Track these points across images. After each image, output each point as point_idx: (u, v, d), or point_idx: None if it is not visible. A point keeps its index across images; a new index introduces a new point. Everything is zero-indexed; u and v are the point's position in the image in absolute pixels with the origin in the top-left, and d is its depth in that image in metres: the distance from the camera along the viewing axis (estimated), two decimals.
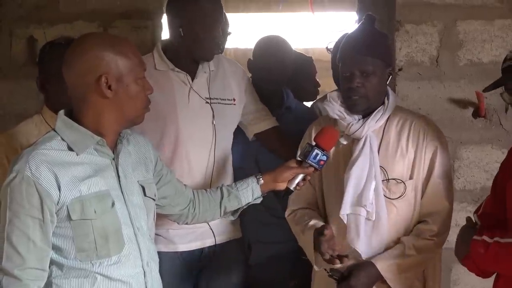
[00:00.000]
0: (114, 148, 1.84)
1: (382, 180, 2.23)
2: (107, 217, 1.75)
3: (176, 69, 2.50)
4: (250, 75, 2.97)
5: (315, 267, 2.28)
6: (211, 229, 2.53)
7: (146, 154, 1.97)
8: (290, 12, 6.41)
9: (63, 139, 1.76)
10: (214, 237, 2.55)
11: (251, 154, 2.74)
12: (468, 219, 2.05)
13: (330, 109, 2.30)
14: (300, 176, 2.12)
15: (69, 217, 1.71)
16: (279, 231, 2.62)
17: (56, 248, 1.73)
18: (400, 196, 2.24)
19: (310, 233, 2.23)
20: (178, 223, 2.19)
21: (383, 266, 2.18)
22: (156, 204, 1.99)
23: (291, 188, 2.13)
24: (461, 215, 2.62)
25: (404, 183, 2.24)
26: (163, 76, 2.49)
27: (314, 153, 2.09)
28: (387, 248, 2.22)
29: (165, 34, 2.58)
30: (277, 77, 2.82)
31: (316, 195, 2.40)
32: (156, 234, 2.16)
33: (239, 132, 2.69)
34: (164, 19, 2.88)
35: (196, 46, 2.45)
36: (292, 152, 2.37)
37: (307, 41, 6.30)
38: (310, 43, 6.29)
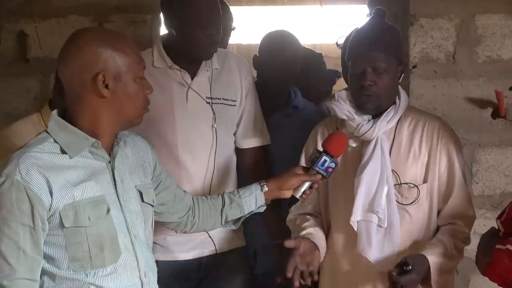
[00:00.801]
0: (110, 150, 1.84)
1: (394, 185, 2.24)
2: (102, 224, 1.75)
3: (175, 66, 2.50)
4: (255, 72, 2.97)
5: None
6: (210, 238, 2.53)
7: (144, 157, 1.97)
8: (297, 5, 6.41)
9: (55, 141, 1.76)
10: (215, 245, 2.55)
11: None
12: (492, 229, 2.04)
13: (338, 109, 2.30)
14: (307, 184, 2.13)
15: (61, 224, 1.71)
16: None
17: (47, 257, 1.73)
18: (413, 202, 2.24)
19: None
20: (176, 232, 2.20)
21: (434, 264, 2.15)
22: (154, 211, 1.99)
23: (297, 196, 2.13)
24: (480, 222, 2.63)
25: (417, 188, 2.24)
26: (161, 74, 2.49)
27: (322, 160, 2.09)
28: (399, 257, 2.20)
29: (164, 29, 2.58)
30: (284, 74, 2.82)
31: (318, 199, 2.41)
32: (153, 242, 2.16)
33: None
34: None
35: (191, 46, 2.44)
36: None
37: (314, 36, 6.30)
38: (317, 38, 6.29)
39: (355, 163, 2.27)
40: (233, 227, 2.24)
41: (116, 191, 1.82)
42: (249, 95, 2.63)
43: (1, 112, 3.14)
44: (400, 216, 2.22)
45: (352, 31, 2.44)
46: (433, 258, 2.16)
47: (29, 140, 1.77)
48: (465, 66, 2.98)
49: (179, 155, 2.49)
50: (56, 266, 1.73)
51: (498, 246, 1.91)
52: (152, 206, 1.96)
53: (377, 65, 2.21)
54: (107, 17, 3.19)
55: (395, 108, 2.27)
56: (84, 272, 1.74)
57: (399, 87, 2.33)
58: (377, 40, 2.23)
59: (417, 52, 2.98)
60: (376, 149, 2.24)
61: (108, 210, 1.77)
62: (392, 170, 2.23)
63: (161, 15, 2.57)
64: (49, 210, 1.70)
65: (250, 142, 2.64)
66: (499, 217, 2.04)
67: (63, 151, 1.76)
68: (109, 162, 1.82)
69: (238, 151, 2.65)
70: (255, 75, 3.01)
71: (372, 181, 2.22)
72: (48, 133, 1.78)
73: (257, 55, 2.93)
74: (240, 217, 2.18)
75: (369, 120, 2.27)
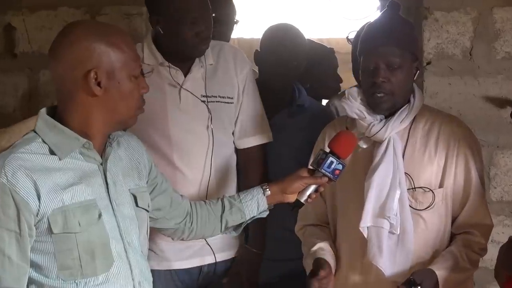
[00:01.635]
0: (103, 151, 1.83)
1: (408, 189, 2.23)
2: (93, 230, 1.75)
3: (166, 63, 2.49)
4: (256, 68, 2.96)
5: None
6: (209, 245, 2.52)
7: (139, 159, 1.97)
8: None
9: (44, 142, 1.76)
10: (214, 254, 2.55)
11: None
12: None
13: (349, 107, 2.30)
14: (312, 187, 2.11)
15: (50, 230, 1.70)
16: (291, 247, 2.61)
17: (35, 266, 1.72)
18: (428, 207, 2.24)
19: (310, 262, 2.28)
20: (172, 239, 2.19)
21: (443, 279, 2.15)
22: (149, 217, 1.98)
23: (302, 200, 2.11)
24: (498, 229, 2.62)
25: (432, 192, 2.23)
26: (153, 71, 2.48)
27: (328, 161, 2.07)
28: (413, 266, 2.21)
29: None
30: (288, 71, 2.82)
31: (326, 208, 2.40)
32: (148, 250, 2.15)
33: None
34: None
35: (179, 45, 2.44)
36: (256, 182, 2.37)
37: (322, 30, 6.30)
38: (325, 33, 6.29)
39: (366, 165, 2.27)
40: (234, 234, 2.22)
41: (109, 195, 1.81)
42: (246, 89, 2.61)
43: None
44: (414, 222, 2.22)
45: (364, 25, 2.44)
46: (442, 273, 2.15)
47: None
48: (482, 62, 2.97)
49: (173, 158, 2.49)
50: (44, 275, 1.72)
51: None
52: (147, 211, 1.95)
53: (390, 60, 2.20)
54: (100, 10, 3.19)
55: (409, 107, 2.27)
56: (75, 282, 1.73)
57: (414, 85, 2.32)
58: (391, 34, 2.22)
59: (431, 47, 2.97)
60: (388, 150, 2.23)
61: (100, 215, 1.76)
62: (405, 173, 2.23)
63: None
64: (37, 215, 1.69)
65: (249, 141, 2.63)
66: None
67: (52, 152, 1.75)
68: (101, 164, 1.82)
69: (238, 151, 2.65)
70: (256, 71, 3.01)
71: (383, 184, 2.21)
72: (36, 133, 1.77)
73: (258, 50, 2.92)
74: (241, 223, 2.17)
75: (381, 120, 2.27)
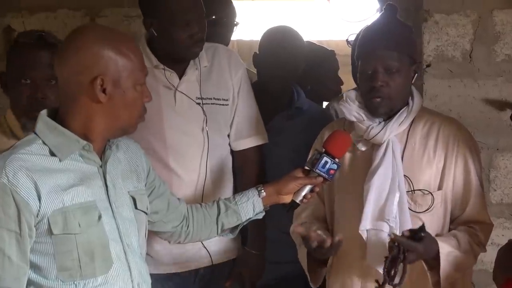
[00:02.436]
0: (102, 154, 1.84)
1: (407, 191, 2.24)
2: (92, 231, 1.75)
3: (161, 66, 2.49)
4: (255, 70, 2.97)
5: (311, 285, 2.31)
6: (206, 248, 2.53)
7: (138, 162, 1.97)
8: (302, 0, 6.41)
9: (44, 143, 1.76)
10: (210, 257, 2.55)
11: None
12: (510, 241, 2.04)
13: (347, 110, 2.31)
14: (307, 188, 2.11)
15: (50, 231, 1.71)
16: (289, 249, 2.61)
17: (34, 266, 1.73)
18: (427, 209, 2.25)
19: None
20: (169, 242, 2.19)
21: (444, 251, 2.15)
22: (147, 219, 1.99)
23: (297, 201, 2.12)
24: (498, 232, 2.62)
25: (432, 195, 2.24)
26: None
27: (323, 161, 2.08)
28: (412, 269, 2.19)
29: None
30: (286, 73, 2.82)
31: (324, 210, 2.40)
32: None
33: None
34: None
35: (173, 47, 2.45)
36: (249, 185, 2.37)
37: (321, 32, 6.30)
38: (324, 35, 6.28)
39: (365, 168, 2.27)
40: (230, 236, 2.23)
41: (108, 197, 1.82)
42: (241, 91, 2.61)
43: None
44: (413, 224, 2.21)
45: (363, 28, 2.44)
46: (444, 246, 2.15)
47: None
48: (482, 65, 2.98)
49: (169, 161, 2.50)
50: (43, 275, 1.73)
51: None
52: (146, 213, 1.96)
53: (389, 64, 2.21)
54: (100, 12, 3.20)
55: (408, 109, 2.28)
56: (74, 283, 1.74)
57: (413, 87, 2.33)
58: (389, 37, 2.23)
59: (431, 50, 2.98)
60: (387, 153, 2.24)
61: (100, 217, 1.77)
62: (404, 175, 2.24)
63: None
64: (37, 216, 1.70)
65: (245, 143, 2.64)
66: None
67: (52, 154, 1.76)
68: (101, 166, 1.82)
69: (234, 152, 2.66)
70: (255, 73, 3.02)
71: (382, 187, 2.22)
72: (37, 134, 1.78)
73: (257, 52, 2.92)
74: (237, 225, 2.17)
75: (380, 122, 2.27)
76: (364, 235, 2.22)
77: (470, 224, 2.26)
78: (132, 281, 1.83)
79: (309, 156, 2.23)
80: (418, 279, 2.23)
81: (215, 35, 2.81)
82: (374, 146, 2.29)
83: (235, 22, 3.14)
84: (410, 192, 2.24)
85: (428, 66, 2.98)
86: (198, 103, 2.51)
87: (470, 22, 2.97)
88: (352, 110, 2.30)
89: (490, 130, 2.98)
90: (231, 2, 3.14)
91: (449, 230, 2.29)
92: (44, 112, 1.81)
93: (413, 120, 2.30)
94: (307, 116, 2.90)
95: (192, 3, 2.44)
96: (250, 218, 2.16)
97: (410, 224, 2.21)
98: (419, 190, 2.24)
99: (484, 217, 2.30)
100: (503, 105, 2.98)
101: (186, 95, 2.49)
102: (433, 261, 2.16)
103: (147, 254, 2.34)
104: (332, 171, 2.09)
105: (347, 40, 3.01)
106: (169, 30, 2.42)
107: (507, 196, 3.02)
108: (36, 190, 1.69)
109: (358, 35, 2.62)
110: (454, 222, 2.29)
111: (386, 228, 2.21)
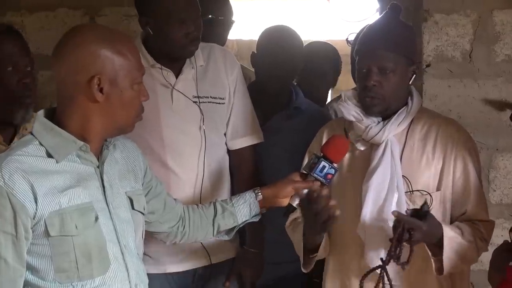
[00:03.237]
0: (99, 154, 1.84)
1: (405, 192, 2.23)
2: (89, 233, 1.75)
3: (157, 65, 2.49)
4: (253, 70, 2.96)
5: (303, 269, 2.30)
6: (204, 248, 2.53)
7: (135, 162, 1.97)
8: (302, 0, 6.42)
9: (41, 144, 1.76)
10: (209, 256, 2.55)
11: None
12: (505, 243, 2.03)
13: (346, 110, 2.30)
14: (304, 192, 2.10)
15: (47, 233, 1.71)
16: (287, 250, 2.61)
17: (31, 268, 1.72)
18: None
19: (301, 229, 2.23)
20: (165, 242, 2.19)
21: (448, 235, 2.14)
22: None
23: (294, 204, 2.11)
24: (497, 232, 2.61)
25: (430, 195, 2.23)
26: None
27: (320, 166, 2.07)
28: (411, 269, 2.17)
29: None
30: (285, 73, 2.82)
31: None
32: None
33: None
34: None
35: (169, 46, 2.45)
36: (243, 187, 2.37)
37: (320, 32, 6.30)
38: (324, 35, 6.28)
39: (363, 168, 2.27)
40: (226, 238, 2.23)
41: (105, 198, 1.81)
42: (236, 91, 2.61)
43: None
44: None
45: (364, 27, 2.43)
46: (448, 230, 2.14)
47: None
48: (482, 65, 2.98)
49: (167, 160, 2.49)
50: (40, 277, 1.73)
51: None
52: (143, 214, 1.96)
53: (383, 64, 2.20)
54: (99, 11, 3.19)
55: (407, 109, 2.27)
56: (71, 284, 1.74)
57: (412, 87, 2.32)
58: (387, 38, 2.22)
59: (431, 50, 2.98)
60: (385, 153, 2.23)
61: (97, 218, 1.77)
62: (403, 176, 2.23)
63: None
64: (34, 218, 1.69)
65: (241, 142, 2.64)
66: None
67: (49, 155, 1.75)
68: (98, 167, 1.82)
69: (230, 152, 2.65)
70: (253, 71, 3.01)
71: (381, 187, 2.21)
72: (33, 135, 1.78)
73: (255, 52, 2.91)
74: (234, 227, 2.17)
75: (378, 122, 2.27)
76: (362, 236, 2.22)
77: (473, 221, 2.25)
78: (129, 281, 1.83)
79: (307, 160, 2.22)
80: (416, 280, 2.23)
81: (212, 34, 2.81)
82: (373, 146, 2.28)
83: (232, 21, 3.13)
84: (409, 193, 2.24)
85: (427, 66, 2.97)
86: (195, 102, 2.51)
87: (470, 22, 2.97)
88: (350, 109, 2.29)
89: (489, 131, 2.98)
90: (228, 1, 3.13)
91: None
92: (41, 113, 1.81)
93: (412, 121, 2.29)
94: (306, 116, 2.89)
95: (187, 2, 2.44)
96: (246, 221, 2.16)
97: None
98: (418, 190, 2.24)
99: (485, 217, 2.29)
100: (503, 106, 2.98)
101: (183, 94, 2.49)
102: (437, 248, 2.15)
103: (145, 254, 2.34)
104: (329, 176, 2.08)
105: (347, 39, 3.01)
106: (165, 29, 2.42)
107: (507, 197, 3.02)
108: (33, 192, 1.69)
109: (358, 34, 2.62)
110: (455, 222, 2.28)
111: (384, 228, 2.20)
